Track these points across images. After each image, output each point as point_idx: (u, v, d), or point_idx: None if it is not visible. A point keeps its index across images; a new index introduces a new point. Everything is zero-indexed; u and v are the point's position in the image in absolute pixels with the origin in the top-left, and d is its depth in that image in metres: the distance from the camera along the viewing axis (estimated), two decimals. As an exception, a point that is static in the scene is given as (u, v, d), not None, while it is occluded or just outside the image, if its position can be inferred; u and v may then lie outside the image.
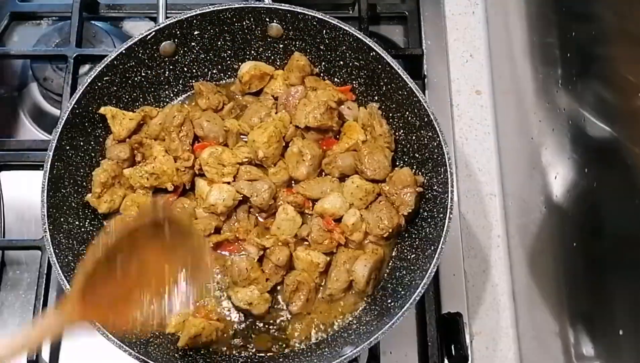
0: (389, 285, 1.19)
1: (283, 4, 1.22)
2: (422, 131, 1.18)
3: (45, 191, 1.09)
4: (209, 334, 1.13)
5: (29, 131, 1.43)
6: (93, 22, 1.50)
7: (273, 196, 1.19)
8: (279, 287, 1.20)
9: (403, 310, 1.04)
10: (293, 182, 1.24)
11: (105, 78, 1.19)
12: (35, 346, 0.88)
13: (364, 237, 1.19)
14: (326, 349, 1.14)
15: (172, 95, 1.31)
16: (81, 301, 0.87)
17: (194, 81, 1.30)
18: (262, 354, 1.16)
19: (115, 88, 1.22)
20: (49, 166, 1.11)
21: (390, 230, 1.17)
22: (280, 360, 1.15)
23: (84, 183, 1.19)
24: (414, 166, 1.22)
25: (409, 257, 1.18)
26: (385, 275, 1.21)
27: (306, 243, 1.21)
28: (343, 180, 1.24)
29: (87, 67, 1.41)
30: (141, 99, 1.27)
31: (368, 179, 1.21)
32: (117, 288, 0.90)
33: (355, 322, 1.17)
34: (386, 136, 1.23)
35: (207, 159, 1.19)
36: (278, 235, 1.19)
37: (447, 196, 1.10)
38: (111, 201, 1.19)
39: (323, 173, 1.25)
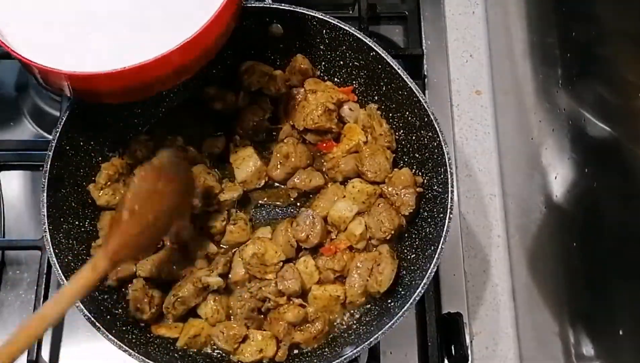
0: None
1: (283, 4, 1.22)
2: (422, 131, 1.18)
3: (45, 191, 1.09)
4: (208, 335, 1.13)
5: (29, 131, 1.43)
6: (93, 22, 1.50)
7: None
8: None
9: (403, 310, 1.04)
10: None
11: (105, 78, 1.19)
12: (76, 300, 0.98)
13: (367, 242, 1.19)
14: (326, 349, 1.14)
15: (172, 94, 1.31)
16: (112, 253, 0.98)
17: (194, 82, 1.30)
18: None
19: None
20: (49, 166, 1.11)
21: (392, 232, 1.17)
22: (280, 360, 1.15)
23: (84, 183, 1.19)
24: (414, 166, 1.22)
25: (409, 257, 1.18)
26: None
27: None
28: (344, 183, 1.24)
29: (87, 67, 1.41)
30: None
31: (369, 181, 1.21)
32: (138, 230, 1.01)
33: (355, 322, 1.17)
34: (387, 135, 1.23)
35: (249, 261, 1.16)
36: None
37: (447, 196, 1.10)
38: (112, 196, 1.19)
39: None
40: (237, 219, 1.20)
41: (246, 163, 1.24)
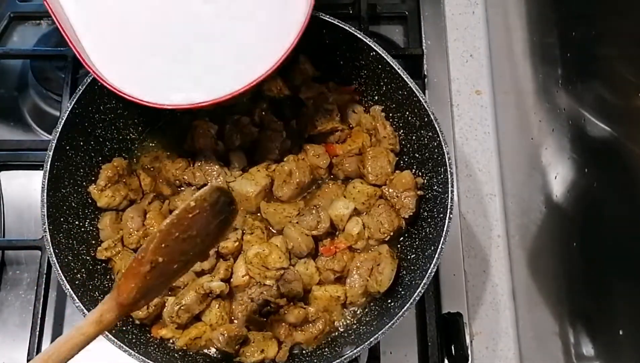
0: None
1: (283, 4, 1.22)
2: (422, 131, 1.18)
3: (45, 191, 1.09)
4: (209, 337, 1.13)
5: (29, 131, 1.43)
6: (93, 22, 1.50)
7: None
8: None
9: (403, 310, 1.04)
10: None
11: (105, 78, 1.19)
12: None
13: (367, 242, 1.19)
14: (326, 349, 1.14)
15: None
16: (123, 307, 0.85)
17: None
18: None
19: (115, 88, 1.22)
20: (49, 166, 1.11)
21: (392, 233, 1.17)
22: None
23: (84, 183, 1.19)
24: (414, 166, 1.22)
25: (409, 257, 1.18)
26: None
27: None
28: (344, 182, 1.25)
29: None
30: (141, 99, 1.27)
31: (370, 183, 1.21)
32: (157, 280, 0.87)
33: (355, 322, 1.17)
34: (390, 138, 1.23)
35: (251, 259, 1.15)
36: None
37: (447, 196, 1.10)
38: (112, 197, 1.19)
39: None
40: (254, 229, 1.20)
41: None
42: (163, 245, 0.84)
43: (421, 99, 1.15)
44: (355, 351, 1.04)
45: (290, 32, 1.08)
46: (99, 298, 1.12)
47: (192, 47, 1.11)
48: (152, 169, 1.26)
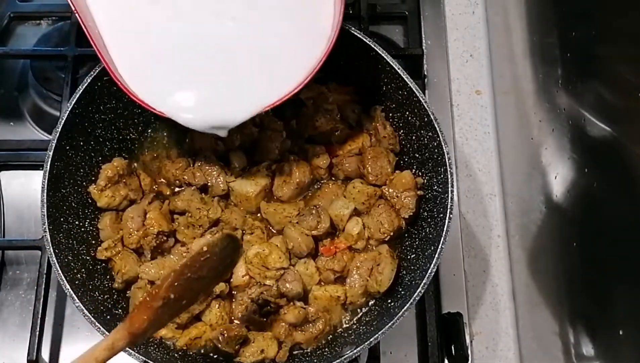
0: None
1: (283, 4, 1.22)
2: (422, 131, 1.18)
3: (45, 191, 1.09)
4: (209, 337, 1.13)
5: (29, 131, 1.43)
6: (93, 22, 1.50)
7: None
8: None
9: (403, 310, 1.04)
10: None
11: (105, 78, 1.18)
12: None
13: (367, 242, 1.19)
14: (326, 349, 1.14)
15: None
16: (134, 336, 0.91)
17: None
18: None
19: (115, 88, 1.21)
20: (49, 166, 1.11)
21: (391, 233, 1.17)
22: (281, 360, 1.15)
23: (84, 183, 1.19)
24: (414, 166, 1.22)
25: (409, 257, 1.18)
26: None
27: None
28: (344, 181, 1.24)
29: (87, 67, 1.41)
30: (141, 99, 1.27)
31: (370, 183, 1.21)
32: (168, 314, 0.94)
33: (355, 322, 1.17)
34: (390, 138, 1.23)
35: (251, 259, 1.15)
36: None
37: (447, 196, 1.10)
38: (112, 198, 1.19)
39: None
40: (254, 229, 1.20)
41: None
42: (176, 284, 0.92)
43: (421, 99, 1.15)
44: (355, 351, 1.04)
45: (317, 48, 1.08)
46: (99, 298, 1.12)
47: (220, 65, 1.10)
48: (152, 169, 1.26)
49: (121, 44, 1.10)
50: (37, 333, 1.18)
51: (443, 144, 1.12)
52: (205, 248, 0.95)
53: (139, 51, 1.10)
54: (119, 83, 1.07)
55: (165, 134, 1.28)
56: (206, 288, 1.02)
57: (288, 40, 1.12)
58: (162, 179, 1.25)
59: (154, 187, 1.25)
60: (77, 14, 1.06)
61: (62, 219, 1.13)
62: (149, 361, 1.03)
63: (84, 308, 1.04)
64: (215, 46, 1.11)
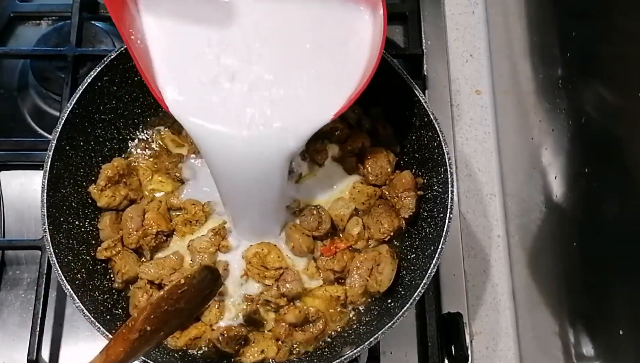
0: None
1: (283, 4, 1.22)
2: (422, 131, 1.18)
3: (45, 191, 1.09)
4: (209, 337, 1.13)
5: (29, 131, 1.43)
6: (93, 22, 1.49)
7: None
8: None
9: (403, 310, 1.04)
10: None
11: (105, 78, 1.19)
12: None
13: (367, 242, 1.19)
14: (326, 349, 1.14)
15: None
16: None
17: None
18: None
19: (115, 88, 1.22)
20: (49, 166, 1.11)
21: (392, 233, 1.17)
22: (281, 360, 1.15)
23: (84, 183, 1.19)
24: (414, 166, 1.22)
25: (409, 257, 1.18)
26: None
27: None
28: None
29: (87, 67, 1.41)
30: (141, 99, 1.27)
31: (370, 183, 1.21)
32: (146, 345, 0.93)
33: (355, 322, 1.17)
34: (390, 138, 1.23)
35: (250, 259, 1.15)
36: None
37: (447, 196, 1.10)
38: (112, 197, 1.19)
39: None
40: None
41: None
42: (152, 316, 0.91)
43: (421, 99, 1.15)
44: (355, 351, 1.04)
45: (359, 66, 1.05)
46: (99, 298, 1.12)
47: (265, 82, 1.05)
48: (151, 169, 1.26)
49: (167, 62, 1.05)
50: (37, 333, 1.18)
51: (443, 144, 1.12)
52: (182, 281, 0.94)
53: (183, 67, 1.06)
54: (160, 101, 1.03)
55: (165, 133, 1.28)
56: (185, 319, 1.03)
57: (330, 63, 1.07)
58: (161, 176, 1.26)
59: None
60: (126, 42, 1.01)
61: (62, 219, 1.13)
62: (148, 361, 1.02)
63: (84, 308, 1.04)
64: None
